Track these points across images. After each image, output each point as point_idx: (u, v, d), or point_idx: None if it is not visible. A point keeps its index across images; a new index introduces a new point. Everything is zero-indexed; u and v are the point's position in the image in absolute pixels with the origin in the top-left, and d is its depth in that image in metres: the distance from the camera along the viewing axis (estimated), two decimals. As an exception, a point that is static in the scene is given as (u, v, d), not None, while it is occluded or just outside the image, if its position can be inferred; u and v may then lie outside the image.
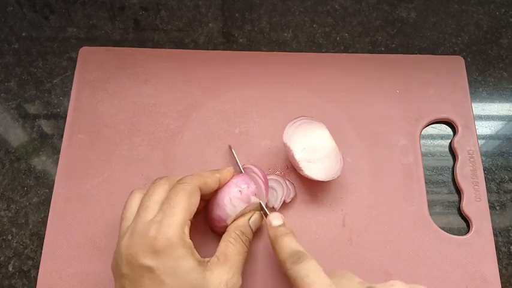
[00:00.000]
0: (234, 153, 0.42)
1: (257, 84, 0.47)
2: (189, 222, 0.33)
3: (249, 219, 0.38)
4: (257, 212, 0.38)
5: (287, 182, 0.42)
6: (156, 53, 0.49)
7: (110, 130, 0.45)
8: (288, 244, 0.34)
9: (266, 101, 0.47)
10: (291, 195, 0.42)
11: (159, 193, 0.34)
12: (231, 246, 0.35)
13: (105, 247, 0.40)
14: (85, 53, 0.49)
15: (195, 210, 0.34)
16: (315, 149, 0.41)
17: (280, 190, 0.42)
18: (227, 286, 0.32)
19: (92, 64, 0.48)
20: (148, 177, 0.43)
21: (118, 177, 0.43)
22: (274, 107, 0.46)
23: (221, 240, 0.36)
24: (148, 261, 0.30)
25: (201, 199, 0.35)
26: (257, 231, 0.40)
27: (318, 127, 0.42)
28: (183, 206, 0.32)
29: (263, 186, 0.39)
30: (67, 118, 0.46)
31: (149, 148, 0.44)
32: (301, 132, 0.41)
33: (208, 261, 0.33)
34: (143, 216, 0.33)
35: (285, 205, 0.42)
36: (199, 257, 0.33)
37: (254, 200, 0.38)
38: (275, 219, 0.36)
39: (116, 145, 0.44)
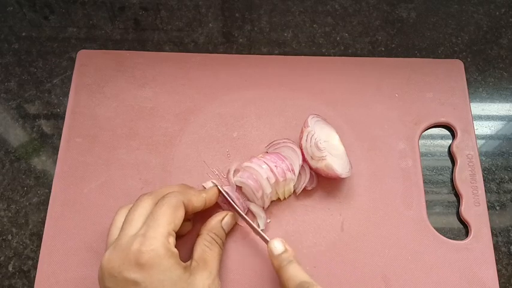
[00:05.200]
0: (221, 189, 0.40)
1: (255, 87, 0.46)
2: (174, 234, 0.32)
3: (221, 220, 0.37)
4: (229, 213, 0.38)
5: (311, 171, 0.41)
6: (154, 56, 0.48)
7: (108, 134, 0.44)
8: (294, 274, 0.33)
9: (264, 104, 0.46)
10: (313, 185, 0.41)
11: (144, 207, 0.33)
12: (208, 251, 0.35)
13: (102, 251, 0.39)
14: (83, 56, 0.48)
15: (179, 224, 0.33)
16: (333, 145, 0.40)
17: (304, 176, 0.41)
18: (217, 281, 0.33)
19: (90, 67, 0.47)
20: (146, 181, 0.42)
21: (116, 181, 0.42)
22: (273, 110, 0.45)
23: (196, 243, 0.35)
24: (133, 274, 0.30)
25: (185, 219, 0.35)
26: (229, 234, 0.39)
27: (331, 129, 0.41)
28: (167, 218, 0.32)
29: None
30: (65, 121, 0.45)
31: (147, 152, 0.43)
32: (320, 128, 0.41)
33: (189, 265, 0.33)
34: (127, 230, 0.32)
35: (283, 209, 0.41)
36: (183, 264, 0.32)
37: (290, 176, 0.38)
38: (277, 246, 0.35)
39: (113, 149, 0.43)
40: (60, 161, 0.43)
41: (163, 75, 0.47)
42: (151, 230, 0.31)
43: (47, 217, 0.41)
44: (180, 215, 0.33)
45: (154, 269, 0.30)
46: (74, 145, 0.44)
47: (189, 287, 0.31)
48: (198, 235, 0.37)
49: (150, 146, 0.44)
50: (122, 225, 0.33)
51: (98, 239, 0.40)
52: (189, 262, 0.34)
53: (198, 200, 0.36)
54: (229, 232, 0.39)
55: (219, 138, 0.44)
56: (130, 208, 0.34)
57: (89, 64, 0.47)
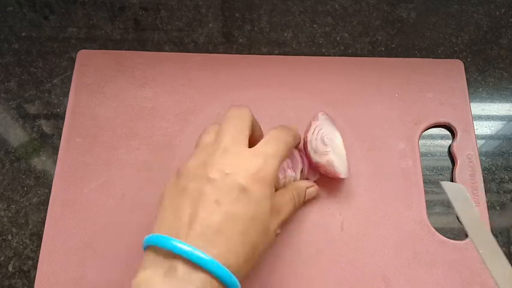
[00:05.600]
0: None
1: (255, 87, 0.46)
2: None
3: (308, 187, 0.39)
4: (316, 185, 0.40)
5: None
6: (154, 56, 0.48)
7: (108, 134, 0.44)
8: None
9: (264, 104, 0.45)
10: (317, 175, 0.41)
11: (246, 116, 0.34)
12: (285, 203, 0.35)
13: (102, 251, 0.39)
14: (83, 56, 0.48)
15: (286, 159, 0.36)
16: (336, 144, 0.40)
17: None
18: (274, 236, 0.33)
19: (90, 67, 0.47)
20: (146, 181, 0.42)
21: (116, 181, 0.42)
22: (273, 110, 0.45)
23: (278, 192, 0.36)
24: (244, 181, 0.29)
25: None
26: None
27: (336, 130, 0.41)
28: (284, 152, 0.33)
29: (299, 161, 0.40)
30: (65, 121, 0.44)
31: (147, 152, 0.43)
32: (327, 125, 0.41)
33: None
34: (238, 138, 0.32)
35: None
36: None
37: (290, 173, 0.38)
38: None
39: (113, 149, 0.43)
40: (60, 161, 0.43)
41: (163, 75, 0.47)
42: (273, 152, 0.32)
43: (47, 217, 0.41)
44: (288, 155, 0.36)
45: (261, 189, 0.30)
46: (74, 145, 0.43)
47: (268, 226, 0.31)
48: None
49: (150, 146, 0.43)
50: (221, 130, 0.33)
51: (98, 238, 0.40)
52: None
53: (295, 139, 0.37)
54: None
55: None
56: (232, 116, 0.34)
57: (89, 64, 0.47)
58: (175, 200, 0.30)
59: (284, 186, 0.38)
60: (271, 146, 0.32)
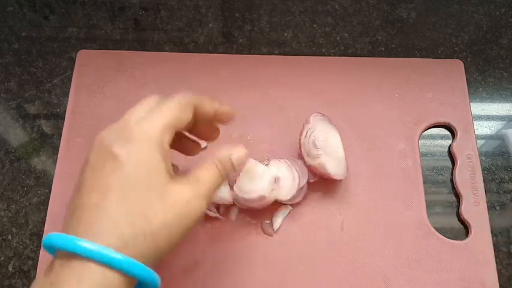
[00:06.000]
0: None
1: (255, 87, 0.46)
2: (173, 132, 0.29)
3: (232, 153, 0.32)
4: (242, 149, 0.33)
5: (297, 168, 0.40)
6: (154, 56, 0.48)
7: None
8: None
9: (264, 104, 0.45)
10: (316, 177, 0.41)
11: (149, 103, 0.31)
12: (205, 172, 0.30)
13: None
14: (83, 56, 0.47)
15: (183, 125, 0.30)
16: (331, 146, 0.40)
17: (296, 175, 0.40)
18: (187, 205, 0.28)
19: (90, 67, 0.47)
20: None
21: None
22: (273, 110, 0.45)
23: (197, 166, 0.31)
24: (117, 149, 0.27)
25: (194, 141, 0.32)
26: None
27: (334, 130, 0.41)
28: (172, 112, 0.29)
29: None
30: (65, 122, 0.44)
31: None
32: (321, 127, 0.40)
33: (178, 176, 0.30)
34: (128, 116, 0.29)
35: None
36: (170, 167, 0.29)
37: None
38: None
39: None
40: (60, 161, 0.43)
41: (163, 75, 0.47)
42: (153, 117, 0.29)
43: (47, 217, 0.41)
44: (188, 115, 0.30)
45: (138, 148, 0.27)
46: (74, 145, 0.43)
47: (165, 187, 0.27)
48: None
49: None
50: (125, 115, 0.30)
51: None
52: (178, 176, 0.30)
53: (210, 106, 0.33)
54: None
55: (218, 139, 0.44)
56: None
57: (89, 64, 0.47)
58: None
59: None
60: (151, 111, 0.29)
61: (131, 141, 0.27)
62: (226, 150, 0.33)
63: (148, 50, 0.49)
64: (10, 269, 0.40)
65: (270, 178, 0.39)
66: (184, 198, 0.28)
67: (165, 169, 0.28)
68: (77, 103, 0.45)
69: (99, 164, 0.27)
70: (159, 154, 0.28)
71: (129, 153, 0.27)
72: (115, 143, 0.27)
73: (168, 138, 0.29)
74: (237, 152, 0.33)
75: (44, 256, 0.39)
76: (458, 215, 0.42)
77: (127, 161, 0.27)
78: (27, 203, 0.42)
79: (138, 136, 0.27)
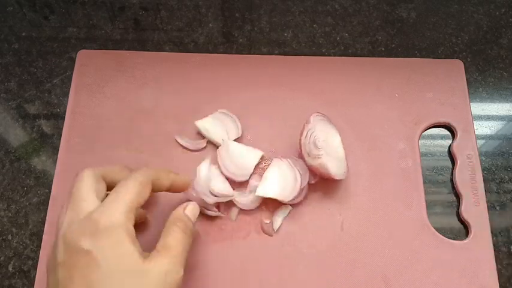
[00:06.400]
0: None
1: (255, 87, 0.46)
2: (135, 211, 0.30)
3: (184, 208, 0.35)
4: (191, 201, 0.36)
5: (298, 168, 0.41)
6: (154, 56, 0.48)
7: (108, 134, 0.44)
8: None
9: (264, 104, 0.45)
10: (316, 178, 0.41)
11: (87, 183, 0.31)
12: (171, 238, 0.31)
13: None
14: (83, 56, 0.47)
15: (142, 202, 0.31)
16: (332, 146, 0.40)
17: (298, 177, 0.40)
18: (166, 277, 0.29)
19: (90, 67, 0.47)
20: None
21: None
22: (273, 110, 0.45)
23: (161, 236, 0.32)
24: (87, 244, 0.28)
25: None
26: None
27: (334, 130, 0.41)
28: (131, 195, 0.30)
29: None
30: (65, 121, 0.44)
31: (147, 152, 0.43)
32: (321, 127, 0.40)
33: (149, 254, 0.31)
34: (83, 207, 0.30)
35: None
36: (140, 248, 0.30)
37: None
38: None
39: (114, 149, 0.43)
40: (60, 161, 0.43)
41: (163, 75, 0.47)
42: (113, 203, 0.29)
43: (47, 218, 0.41)
44: (146, 193, 0.32)
45: (107, 238, 0.28)
46: (74, 146, 0.43)
47: (142, 269, 0.28)
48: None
49: (150, 147, 0.43)
50: (70, 205, 0.31)
51: None
52: (148, 253, 0.31)
53: (166, 180, 0.34)
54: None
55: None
56: (73, 187, 0.32)
57: (89, 64, 0.47)
58: None
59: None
60: (109, 197, 0.30)
61: (99, 234, 0.28)
62: (178, 208, 0.35)
63: (148, 50, 0.49)
64: (10, 269, 0.40)
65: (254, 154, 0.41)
66: (162, 271, 0.29)
67: (137, 251, 0.29)
68: (77, 103, 0.45)
69: (71, 261, 0.28)
70: (128, 239, 0.29)
71: (100, 247, 0.28)
72: (82, 238, 0.28)
73: (132, 219, 0.30)
74: (188, 206, 0.35)
75: (44, 256, 0.39)
76: (459, 215, 0.42)
77: (100, 255, 0.28)
78: (27, 203, 0.42)
79: (104, 227, 0.28)
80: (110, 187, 0.33)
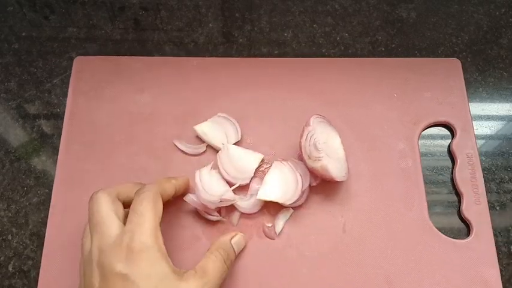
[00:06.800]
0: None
1: (254, 89, 0.46)
2: (160, 228, 0.32)
3: (231, 238, 0.37)
4: (239, 233, 0.38)
5: (299, 170, 0.41)
6: (151, 60, 0.47)
7: (107, 140, 0.43)
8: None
9: (263, 106, 0.45)
10: (318, 180, 0.41)
11: (107, 205, 0.32)
12: (210, 263, 0.33)
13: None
14: (79, 62, 0.47)
15: (161, 216, 0.33)
16: (332, 147, 0.40)
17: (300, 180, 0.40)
18: None
19: (87, 73, 0.46)
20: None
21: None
22: (272, 111, 0.45)
23: (203, 257, 0.34)
24: (122, 268, 0.29)
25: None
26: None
27: (334, 132, 0.41)
28: (151, 213, 0.31)
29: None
30: (63, 128, 0.44)
31: (146, 157, 0.43)
32: (321, 129, 0.40)
33: (185, 272, 0.32)
34: (108, 231, 0.31)
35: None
36: (173, 265, 0.31)
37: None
38: None
39: (113, 155, 0.43)
40: (59, 168, 0.42)
41: (161, 80, 0.46)
42: (139, 226, 0.31)
43: (47, 227, 0.40)
44: (160, 206, 0.33)
45: (143, 261, 0.29)
46: (73, 152, 0.43)
47: None
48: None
49: (149, 151, 0.43)
50: (94, 230, 0.32)
51: None
52: (185, 270, 0.32)
53: (170, 187, 0.36)
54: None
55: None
56: (91, 210, 0.33)
57: (85, 70, 0.46)
58: None
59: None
60: (131, 219, 0.31)
61: (133, 258, 0.29)
62: (225, 236, 0.37)
63: (148, 50, 0.49)
64: (10, 269, 0.40)
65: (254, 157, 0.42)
66: None
67: (172, 272, 0.30)
68: (75, 109, 0.45)
69: (109, 286, 0.29)
70: (162, 259, 0.30)
71: (136, 269, 0.29)
72: (117, 263, 0.29)
73: (160, 237, 0.31)
74: (236, 237, 0.38)
75: (44, 256, 0.39)
76: (460, 214, 0.42)
77: (137, 278, 0.29)
78: (27, 203, 0.42)
79: (138, 250, 0.29)
80: (125, 205, 0.34)
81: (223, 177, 0.41)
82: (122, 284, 0.29)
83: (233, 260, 0.37)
